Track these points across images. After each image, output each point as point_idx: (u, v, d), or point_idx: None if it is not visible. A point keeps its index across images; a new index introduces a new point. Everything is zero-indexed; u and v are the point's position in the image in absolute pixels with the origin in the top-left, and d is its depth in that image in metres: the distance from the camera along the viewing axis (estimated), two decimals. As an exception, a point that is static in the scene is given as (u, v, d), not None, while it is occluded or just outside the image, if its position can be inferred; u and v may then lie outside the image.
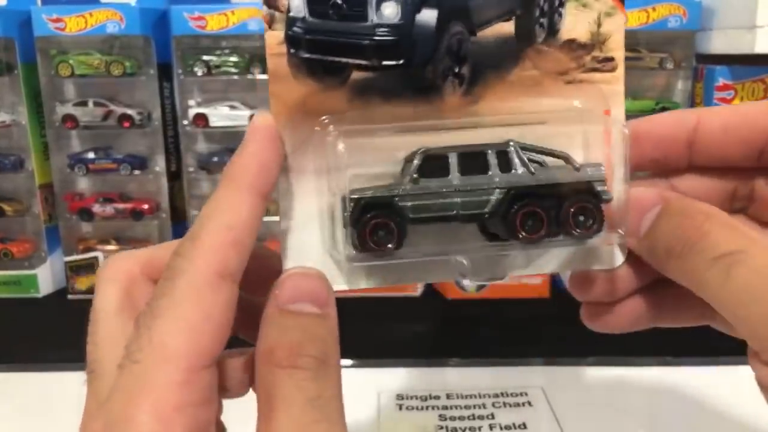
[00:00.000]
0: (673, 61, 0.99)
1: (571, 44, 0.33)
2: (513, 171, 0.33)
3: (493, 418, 0.66)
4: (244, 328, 0.34)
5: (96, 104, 1.02)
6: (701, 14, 0.94)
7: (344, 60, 0.32)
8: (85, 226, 1.07)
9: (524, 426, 0.64)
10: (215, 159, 1.04)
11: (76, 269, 1.04)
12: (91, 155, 1.04)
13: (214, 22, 0.96)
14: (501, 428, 0.64)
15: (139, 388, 0.26)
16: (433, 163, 0.32)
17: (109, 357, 0.29)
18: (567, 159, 0.34)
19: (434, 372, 0.76)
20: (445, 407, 0.68)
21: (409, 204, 0.32)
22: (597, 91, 0.34)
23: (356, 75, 0.32)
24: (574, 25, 0.33)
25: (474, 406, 0.68)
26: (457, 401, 0.69)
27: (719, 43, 0.93)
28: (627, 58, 1.04)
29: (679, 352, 0.74)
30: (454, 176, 0.32)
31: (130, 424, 0.26)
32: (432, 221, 0.33)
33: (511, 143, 0.33)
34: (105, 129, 1.03)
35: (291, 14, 0.31)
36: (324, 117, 0.32)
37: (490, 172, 0.33)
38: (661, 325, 0.38)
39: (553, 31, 0.33)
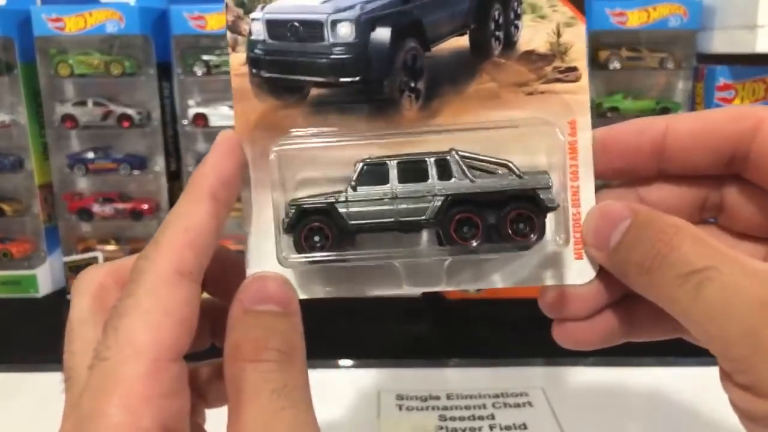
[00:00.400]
0: (674, 61, 0.98)
1: (530, 56, 0.33)
2: (453, 179, 0.33)
3: (493, 418, 0.66)
4: (219, 337, 0.34)
5: (95, 104, 1.02)
6: (702, 14, 0.94)
7: (303, 78, 0.33)
8: (84, 226, 1.07)
9: (524, 426, 0.64)
10: (215, 159, 1.04)
11: (75, 269, 1.04)
12: (90, 155, 1.04)
13: (214, 21, 0.96)
14: (501, 428, 0.64)
15: (106, 383, 0.27)
16: (373, 172, 0.33)
17: (83, 363, 0.30)
18: (508, 167, 0.33)
19: (434, 372, 0.76)
20: (445, 407, 0.68)
21: (348, 210, 0.33)
22: (560, 101, 0.33)
23: (314, 92, 0.33)
24: (532, 36, 0.33)
25: (474, 407, 0.68)
26: (457, 401, 0.69)
27: (720, 42, 0.93)
28: (628, 58, 1.03)
29: (679, 352, 0.74)
30: (394, 184, 0.33)
31: (99, 418, 0.27)
32: (371, 228, 0.33)
33: (452, 151, 0.33)
34: (104, 129, 1.02)
35: (252, 37, 0.33)
36: (284, 132, 0.33)
37: (429, 180, 0.33)
38: (634, 339, 0.37)
39: (510, 43, 0.33)
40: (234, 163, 0.32)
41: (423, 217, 0.33)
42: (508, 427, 0.64)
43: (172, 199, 1.05)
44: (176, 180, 1.05)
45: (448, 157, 0.33)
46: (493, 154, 0.33)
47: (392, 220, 0.33)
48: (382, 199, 0.33)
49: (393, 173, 0.33)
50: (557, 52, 0.33)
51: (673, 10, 0.93)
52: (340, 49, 0.33)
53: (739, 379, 0.28)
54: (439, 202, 0.33)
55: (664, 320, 0.34)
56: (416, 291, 0.34)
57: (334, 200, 0.33)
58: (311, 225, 0.32)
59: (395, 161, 0.33)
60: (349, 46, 0.33)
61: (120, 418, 0.26)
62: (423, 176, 0.33)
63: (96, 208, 1.04)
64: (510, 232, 0.33)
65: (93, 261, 1.04)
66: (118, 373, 0.27)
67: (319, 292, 0.34)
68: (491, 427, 0.64)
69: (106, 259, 1.04)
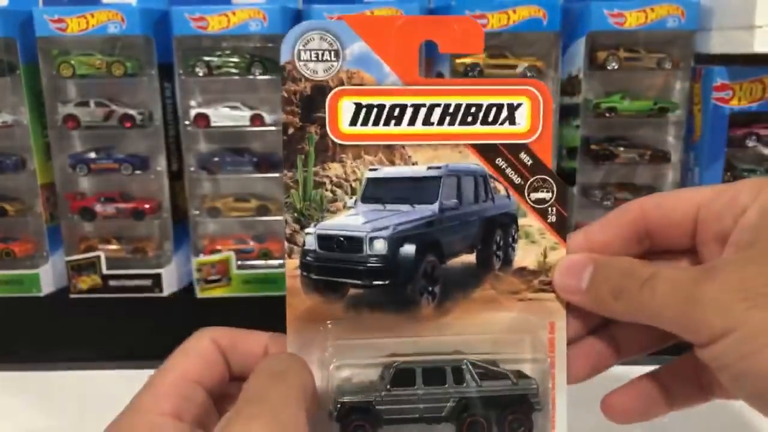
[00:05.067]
0: (672, 61, 0.99)
1: (523, 271, 0.42)
2: (464, 384, 0.42)
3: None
4: None
5: (97, 104, 1.03)
6: (699, 14, 0.95)
7: (344, 280, 0.42)
8: (86, 225, 1.08)
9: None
10: (216, 159, 1.05)
11: (77, 268, 1.04)
12: (92, 155, 1.04)
13: (215, 22, 0.96)
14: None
15: (146, 385, 0.39)
16: (403, 375, 0.42)
17: None
18: (507, 375, 0.42)
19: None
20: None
21: (383, 408, 0.41)
22: (543, 307, 0.42)
23: (352, 291, 0.41)
24: (524, 256, 0.42)
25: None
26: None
27: (717, 43, 0.93)
28: (625, 59, 1.04)
29: (679, 352, 0.74)
30: (419, 386, 0.42)
31: (135, 403, 0.38)
32: (401, 422, 0.42)
33: (465, 361, 0.42)
34: (106, 129, 1.03)
35: (305, 248, 0.41)
36: (327, 322, 0.41)
37: (446, 384, 0.42)
38: (625, 358, 0.44)
39: (507, 260, 0.42)
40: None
41: (442, 414, 0.42)
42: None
43: (174, 199, 1.06)
44: (178, 180, 1.06)
45: (462, 366, 0.42)
46: (494, 349, 0.42)
47: (417, 416, 0.42)
48: (410, 398, 0.41)
49: (419, 377, 0.42)
50: (543, 269, 0.42)
51: (670, 11, 0.94)
52: (375, 259, 0.42)
53: (696, 339, 0.35)
54: (454, 403, 0.42)
55: (641, 334, 0.43)
56: None
57: (372, 399, 0.41)
58: (356, 424, 0.41)
59: (420, 368, 0.42)
60: (382, 257, 0.42)
61: (147, 400, 0.38)
62: (442, 380, 0.42)
63: (98, 207, 1.05)
64: (510, 430, 0.42)
65: (95, 260, 1.04)
66: (156, 378, 0.39)
67: None
68: (490, 425, 0.64)
69: (108, 259, 1.05)
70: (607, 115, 1.01)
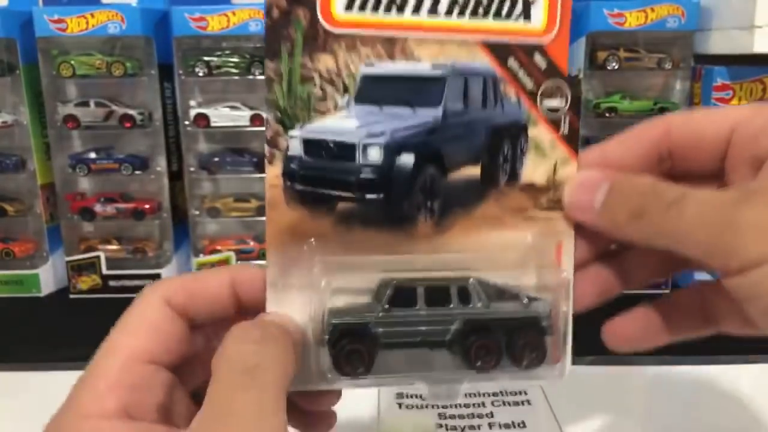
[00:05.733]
0: (672, 62, 0.99)
1: (530, 187, 0.38)
2: (471, 304, 0.38)
3: (492, 416, 0.66)
4: None
5: (97, 104, 1.02)
6: (699, 15, 0.95)
7: (333, 192, 0.37)
8: (86, 225, 1.08)
9: (523, 425, 0.65)
10: (216, 159, 1.05)
11: (77, 269, 1.04)
12: (92, 155, 1.04)
13: (215, 22, 0.96)
14: (500, 427, 0.64)
15: (85, 374, 0.34)
16: (403, 294, 0.37)
17: None
18: (518, 296, 0.38)
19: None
20: (445, 406, 0.68)
21: (381, 330, 0.37)
22: (551, 226, 0.38)
23: (341, 205, 0.37)
24: (533, 170, 0.38)
25: (473, 405, 0.68)
26: (456, 400, 0.69)
27: (717, 43, 0.93)
28: (626, 59, 1.04)
29: (679, 352, 0.74)
30: (422, 307, 0.37)
31: (71, 399, 0.33)
32: (400, 346, 0.37)
33: (471, 280, 0.38)
34: (106, 129, 1.03)
35: (289, 153, 0.36)
36: (311, 239, 0.37)
37: (451, 305, 0.38)
38: (631, 289, 0.41)
39: (514, 175, 0.38)
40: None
41: (446, 338, 0.38)
42: (507, 426, 0.65)
43: (174, 199, 1.06)
44: (178, 180, 1.06)
45: (468, 286, 0.38)
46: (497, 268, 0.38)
47: (419, 339, 0.37)
48: (411, 320, 0.37)
49: (421, 297, 0.37)
50: (552, 185, 0.38)
51: (671, 11, 0.94)
52: (369, 170, 0.37)
53: (726, 266, 0.32)
54: (460, 326, 0.38)
55: (652, 261, 0.40)
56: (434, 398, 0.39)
57: (370, 321, 0.37)
58: (350, 348, 0.36)
59: (423, 287, 0.37)
60: (376, 167, 0.37)
61: (87, 399, 0.32)
62: (446, 301, 0.38)
63: (98, 207, 1.05)
64: (521, 357, 0.38)
65: (95, 260, 1.04)
66: (95, 367, 0.34)
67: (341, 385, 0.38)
68: (490, 426, 0.64)
69: (108, 259, 1.04)
70: (608, 115, 1.01)
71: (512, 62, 0.36)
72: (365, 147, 0.37)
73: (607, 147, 0.39)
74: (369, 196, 0.37)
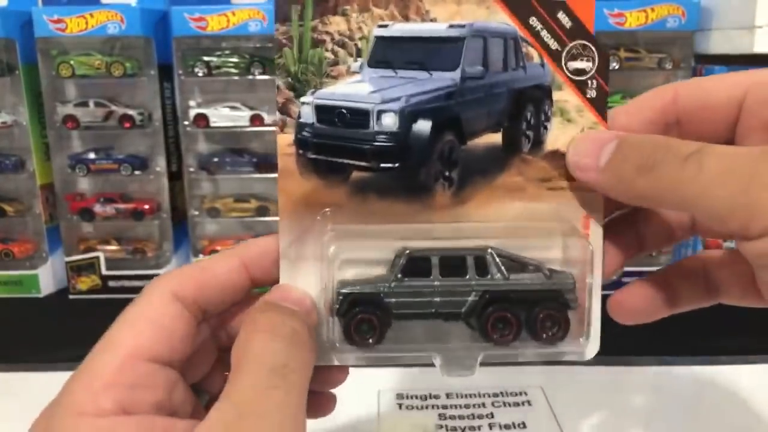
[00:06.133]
0: (672, 62, 0.99)
1: (555, 155, 0.35)
2: (489, 276, 0.36)
3: (492, 417, 0.66)
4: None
5: (97, 105, 1.02)
6: (700, 14, 0.94)
7: (347, 161, 0.36)
8: (86, 226, 1.07)
9: (523, 425, 0.65)
10: (216, 159, 1.04)
11: (77, 269, 1.04)
12: (92, 156, 1.04)
13: (215, 22, 0.96)
14: (500, 427, 0.64)
15: (80, 370, 0.32)
16: (417, 264, 0.35)
17: None
18: (539, 268, 0.36)
19: (434, 371, 0.76)
20: (445, 406, 0.68)
21: (393, 301, 0.35)
22: (578, 197, 0.36)
23: (356, 174, 0.36)
24: (558, 137, 0.35)
25: (473, 406, 0.68)
26: (456, 400, 0.69)
27: (718, 43, 0.93)
28: (626, 59, 1.04)
29: (679, 352, 0.75)
30: (436, 277, 0.35)
31: (64, 396, 0.31)
32: (413, 317, 0.36)
33: (489, 250, 0.36)
34: (106, 129, 1.03)
35: (301, 120, 0.35)
36: (326, 209, 0.35)
37: (467, 276, 0.36)
38: (647, 251, 0.40)
39: (538, 142, 0.35)
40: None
41: (461, 310, 0.36)
42: (507, 426, 0.65)
43: (173, 200, 1.06)
44: (177, 180, 1.06)
45: (486, 256, 0.36)
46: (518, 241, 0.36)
47: (432, 311, 0.36)
48: (425, 290, 0.35)
49: (435, 267, 0.35)
50: None
51: (671, 11, 0.94)
52: (384, 137, 0.36)
53: (746, 227, 0.29)
54: (476, 297, 0.36)
55: (664, 223, 0.38)
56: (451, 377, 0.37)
57: (382, 290, 0.35)
58: (360, 317, 0.35)
59: (437, 257, 0.35)
60: (391, 135, 0.35)
61: (81, 397, 0.30)
62: (462, 271, 0.36)
63: (97, 208, 1.05)
64: (541, 331, 0.36)
65: (94, 261, 1.04)
66: (92, 363, 0.32)
67: (351, 361, 0.37)
68: (490, 426, 0.64)
69: (108, 260, 1.04)
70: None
71: (534, 21, 0.35)
72: (380, 113, 0.35)
73: (616, 112, 0.37)
74: (384, 164, 0.35)
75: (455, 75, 0.35)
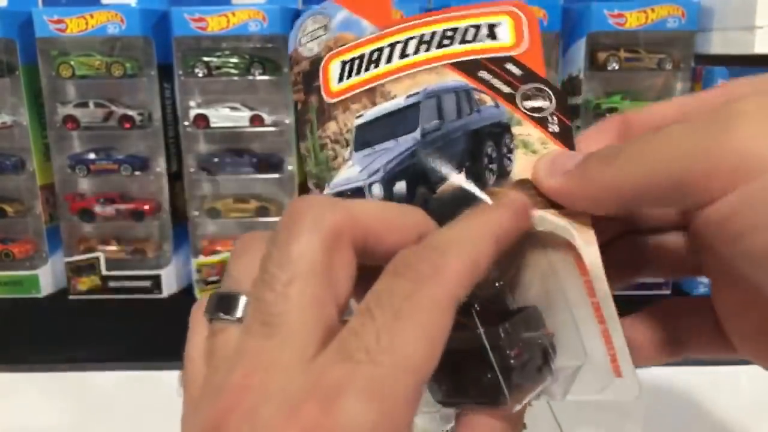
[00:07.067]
0: (672, 62, 0.99)
1: (525, 184, 0.35)
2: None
3: (492, 417, 0.66)
4: None
5: (97, 105, 1.02)
6: (700, 15, 0.94)
7: None
8: (86, 226, 1.08)
9: (523, 426, 0.65)
10: (216, 160, 1.04)
11: (77, 270, 1.04)
12: (92, 156, 1.04)
13: (215, 23, 0.96)
14: (500, 428, 0.64)
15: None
16: None
17: None
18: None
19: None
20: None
21: None
22: (556, 225, 0.35)
23: None
24: (524, 167, 0.36)
25: (474, 406, 0.68)
26: (456, 401, 0.69)
27: (718, 43, 0.93)
28: (626, 59, 1.03)
29: (678, 351, 0.74)
30: None
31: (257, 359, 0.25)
32: None
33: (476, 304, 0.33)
34: (106, 130, 1.03)
35: None
36: None
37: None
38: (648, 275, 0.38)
39: (503, 173, 0.36)
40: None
41: None
42: (507, 426, 0.64)
43: (173, 200, 1.06)
44: (177, 181, 1.06)
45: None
46: None
47: None
48: None
49: None
50: None
51: (671, 12, 0.94)
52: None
53: (709, 189, 0.26)
54: None
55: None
56: None
57: None
58: None
59: None
60: (381, 199, 0.39)
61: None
62: None
63: (97, 208, 1.05)
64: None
65: (94, 261, 1.04)
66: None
67: None
68: None
69: (108, 260, 1.04)
70: (608, 115, 1.00)
71: (483, 74, 0.37)
72: (370, 186, 0.39)
73: (576, 142, 0.35)
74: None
75: (416, 134, 0.39)
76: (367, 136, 0.39)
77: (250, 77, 1.01)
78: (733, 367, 0.73)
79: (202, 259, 1.04)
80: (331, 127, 0.40)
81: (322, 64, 0.40)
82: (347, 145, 0.40)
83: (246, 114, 1.03)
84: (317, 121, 0.40)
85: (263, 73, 1.01)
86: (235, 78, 1.01)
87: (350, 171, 0.39)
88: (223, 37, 0.98)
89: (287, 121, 1.02)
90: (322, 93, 0.40)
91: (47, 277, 1.06)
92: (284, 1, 1.02)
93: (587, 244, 0.33)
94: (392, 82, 0.39)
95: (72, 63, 1.00)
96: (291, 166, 1.03)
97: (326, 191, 0.39)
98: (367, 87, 0.39)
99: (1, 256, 1.05)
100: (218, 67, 1.01)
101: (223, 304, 0.28)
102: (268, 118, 1.03)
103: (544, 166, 0.34)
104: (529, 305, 0.35)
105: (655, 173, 0.28)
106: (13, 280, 1.05)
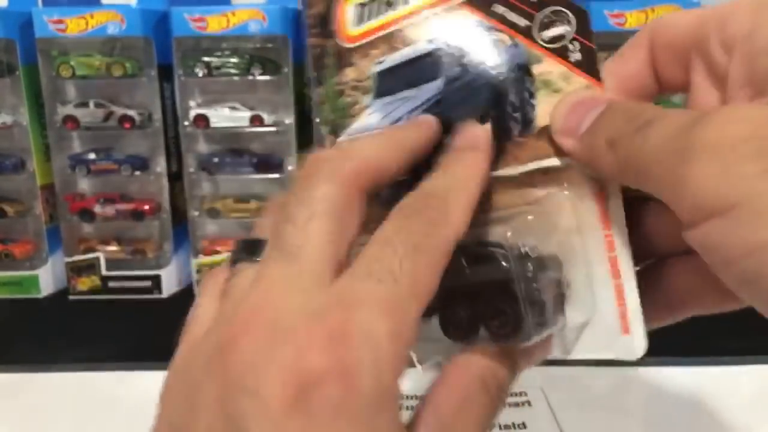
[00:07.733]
0: (672, 62, 0.99)
1: (548, 130, 0.34)
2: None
3: (492, 417, 0.66)
4: None
5: (97, 105, 1.02)
6: (700, 15, 0.94)
7: None
8: (86, 226, 1.08)
9: (524, 426, 0.65)
10: (216, 160, 1.04)
11: (77, 270, 1.04)
12: (92, 156, 1.04)
13: (215, 23, 0.96)
14: (500, 428, 0.64)
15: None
16: None
17: None
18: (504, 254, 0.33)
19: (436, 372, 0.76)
20: (445, 407, 0.68)
21: None
22: (584, 174, 0.33)
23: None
24: (546, 110, 0.34)
25: (474, 406, 0.68)
26: (457, 401, 0.69)
27: (718, 43, 0.93)
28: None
29: (679, 352, 0.75)
30: None
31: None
32: None
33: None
34: (106, 130, 1.03)
35: None
36: None
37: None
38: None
39: (527, 121, 0.35)
40: None
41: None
42: (507, 427, 0.65)
43: (173, 200, 1.06)
44: (177, 181, 1.06)
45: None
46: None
47: None
48: None
49: None
50: None
51: (671, 12, 0.94)
52: None
53: (682, 213, 0.26)
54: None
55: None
56: None
57: None
58: None
59: None
60: None
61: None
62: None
63: (97, 208, 1.05)
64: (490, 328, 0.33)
65: (94, 261, 1.04)
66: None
67: None
68: (490, 426, 0.64)
69: (108, 260, 1.04)
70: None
71: (497, 7, 0.35)
72: None
73: (611, 64, 0.34)
74: (399, 178, 0.36)
75: (439, 83, 0.37)
76: (389, 82, 0.38)
77: (250, 77, 1.01)
78: (733, 367, 0.73)
79: (202, 259, 1.04)
80: (350, 73, 0.39)
81: (338, 6, 0.38)
82: (367, 92, 0.39)
83: (246, 114, 1.03)
84: (335, 66, 0.39)
85: (263, 73, 1.00)
86: (235, 78, 1.01)
87: (370, 118, 0.38)
88: (223, 37, 0.98)
89: (287, 121, 1.02)
90: (338, 38, 0.39)
91: (47, 278, 1.06)
92: (284, 1, 1.02)
93: (612, 195, 0.33)
94: (410, 26, 0.37)
95: (72, 63, 1.00)
96: (291, 166, 1.03)
97: (342, 138, 0.38)
98: (385, 32, 0.38)
99: (1, 256, 1.05)
100: (218, 67, 1.01)
101: (247, 247, 0.30)
102: (268, 118, 1.03)
103: (559, 117, 0.32)
104: (551, 253, 0.34)
105: (641, 178, 0.28)
106: (13, 281, 1.05)
